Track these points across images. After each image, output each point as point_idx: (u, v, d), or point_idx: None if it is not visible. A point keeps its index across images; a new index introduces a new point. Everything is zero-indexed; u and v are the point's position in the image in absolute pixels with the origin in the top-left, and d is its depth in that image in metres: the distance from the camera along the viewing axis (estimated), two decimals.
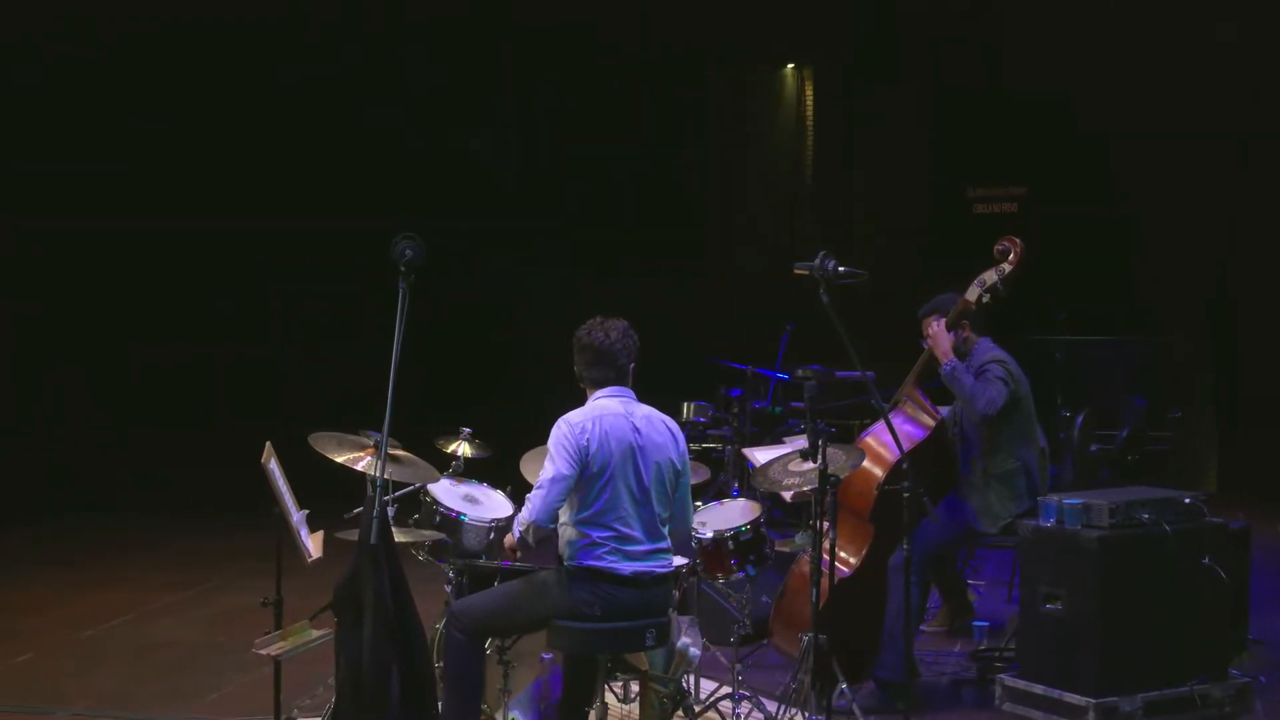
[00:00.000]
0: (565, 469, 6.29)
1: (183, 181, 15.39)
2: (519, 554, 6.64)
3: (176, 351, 15.64)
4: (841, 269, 6.77)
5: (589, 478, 6.31)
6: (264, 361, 15.97)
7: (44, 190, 14.62)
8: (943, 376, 8.10)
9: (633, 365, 6.60)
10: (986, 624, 9.10)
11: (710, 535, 7.45)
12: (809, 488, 6.72)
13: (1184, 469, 12.38)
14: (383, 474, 6.20)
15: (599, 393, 6.52)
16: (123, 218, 14.91)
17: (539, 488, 6.36)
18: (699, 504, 7.95)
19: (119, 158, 14.96)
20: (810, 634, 6.73)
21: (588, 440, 6.31)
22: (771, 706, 7.25)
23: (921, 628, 8.95)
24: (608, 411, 6.42)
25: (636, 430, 6.43)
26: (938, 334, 8.11)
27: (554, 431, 6.39)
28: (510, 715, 6.69)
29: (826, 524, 6.80)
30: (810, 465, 6.68)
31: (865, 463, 7.46)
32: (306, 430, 6.85)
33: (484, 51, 16.42)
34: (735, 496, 8.88)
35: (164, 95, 15.21)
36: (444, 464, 7.38)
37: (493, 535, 7.07)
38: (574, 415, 6.43)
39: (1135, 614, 7.47)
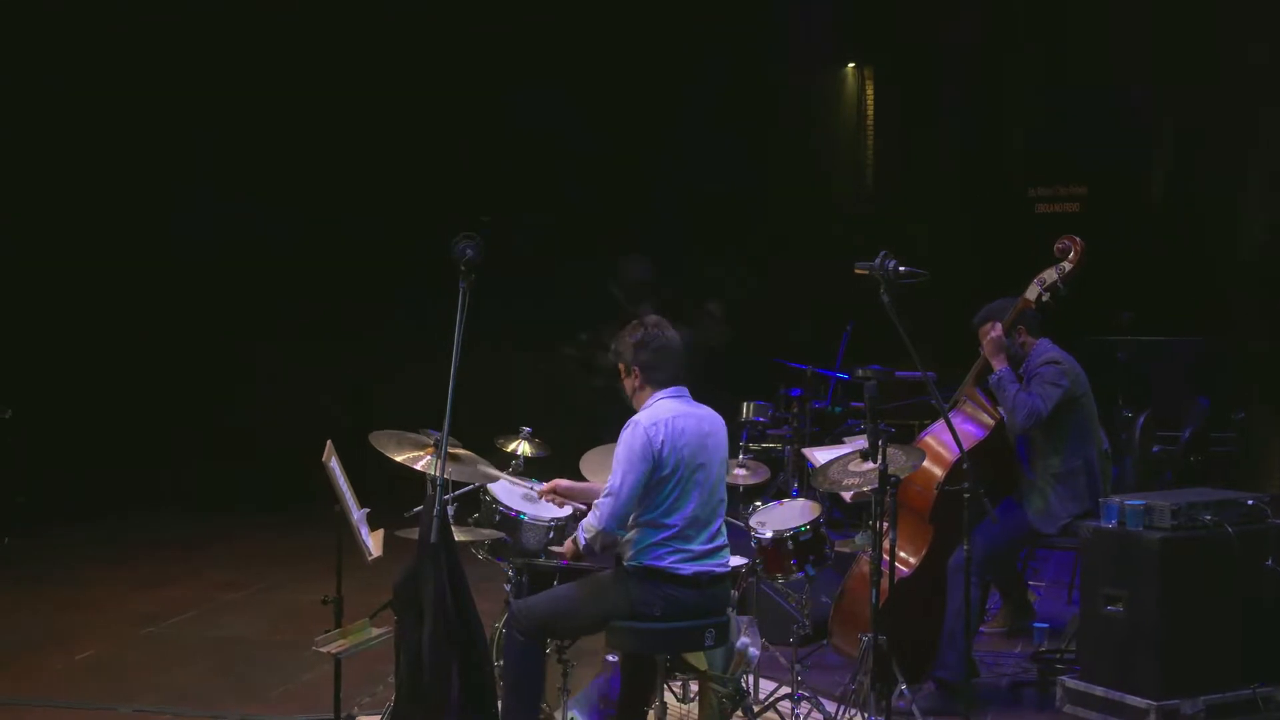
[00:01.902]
0: (635, 477, 6.28)
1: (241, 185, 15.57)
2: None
3: (225, 351, 15.80)
4: (902, 269, 6.75)
5: (659, 479, 6.30)
6: (318, 363, 16.08)
7: (100, 192, 14.89)
8: (990, 383, 8.08)
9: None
10: (1047, 625, 9.06)
11: (770, 535, 7.46)
12: (869, 488, 6.70)
13: (1247, 471, 12.28)
14: (443, 473, 6.21)
15: (662, 392, 6.50)
16: (167, 216, 15.17)
17: (608, 494, 6.34)
18: (758, 503, 7.96)
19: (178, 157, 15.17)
20: (870, 634, 6.72)
21: (661, 442, 6.29)
22: (831, 707, 7.24)
23: (981, 629, 8.91)
24: (678, 412, 6.41)
25: (704, 430, 6.43)
26: (993, 340, 8.09)
27: (625, 434, 6.38)
28: (570, 714, 6.70)
29: (886, 524, 6.79)
30: (870, 465, 6.66)
31: (925, 463, 7.44)
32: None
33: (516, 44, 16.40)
34: (795, 496, 8.89)
35: (206, 85, 15.42)
36: (504, 463, 7.40)
37: (552, 534, 7.07)
38: (643, 418, 6.41)
39: (1197, 616, 7.43)
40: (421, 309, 13.92)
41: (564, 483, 6.94)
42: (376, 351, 15.93)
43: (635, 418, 6.43)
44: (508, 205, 15.73)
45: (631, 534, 6.36)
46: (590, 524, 6.40)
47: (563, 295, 15.28)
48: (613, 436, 6.61)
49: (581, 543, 6.49)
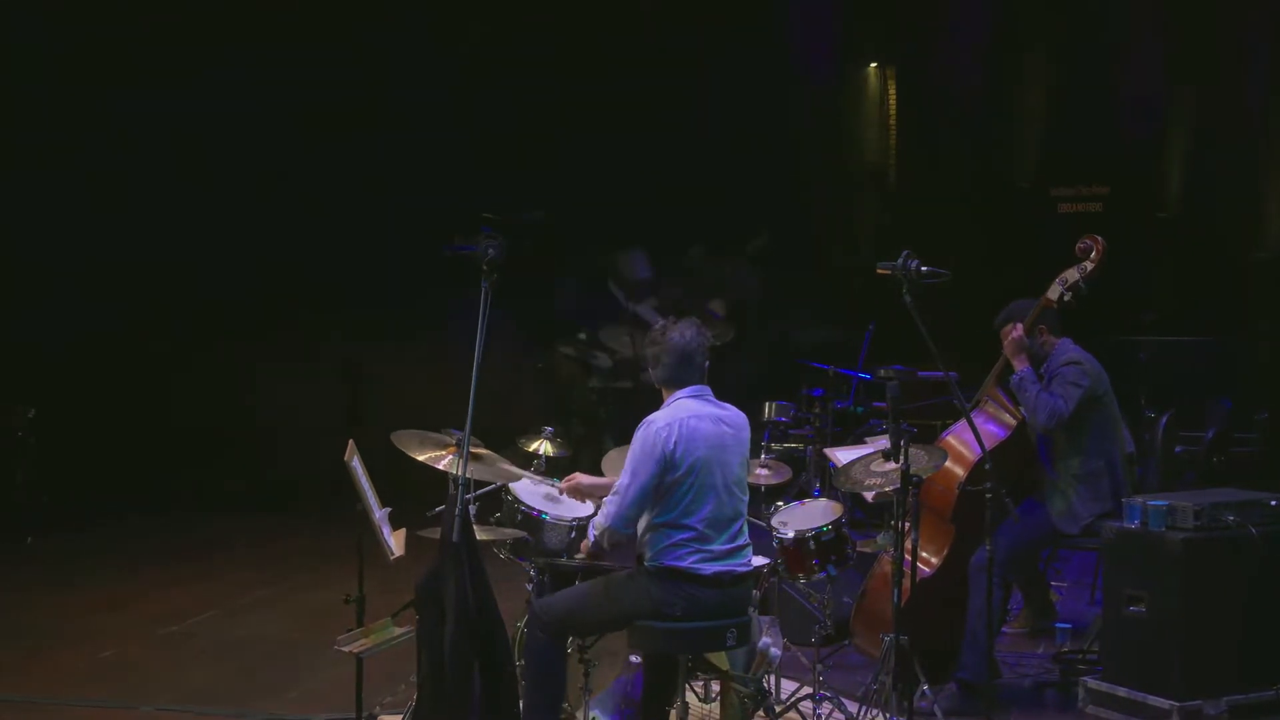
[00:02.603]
0: (644, 477, 6.28)
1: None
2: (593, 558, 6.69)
3: (225, 351, 15.87)
4: (924, 269, 6.74)
5: (673, 480, 6.29)
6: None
7: (115, 196, 15.06)
8: (1011, 384, 8.07)
9: (708, 363, 6.59)
10: (1069, 625, 9.05)
11: (792, 535, 7.45)
12: (891, 488, 6.70)
13: (1270, 471, 12.25)
14: (465, 472, 6.21)
15: (681, 392, 6.49)
16: (165, 216, 15.28)
17: (615, 493, 6.36)
18: (780, 503, 7.95)
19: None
20: (892, 634, 6.72)
21: (673, 443, 6.28)
22: (853, 707, 7.23)
23: (1003, 629, 8.89)
24: (692, 412, 6.40)
25: (722, 430, 6.42)
26: (1014, 340, 8.08)
27: (638, 434, 6.37)
28: (591, 714, 6.70)
29: (908, 524, 6.78)
30: (892, 465, 6.66)
31: (947, 463, 7.42)
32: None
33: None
34: (817, 496, 8.87)
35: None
36: (526, 463, 7.39)
37: (574, 534, 7.07)
38: (658, 417, 6.40)
39: (1220, 617, 7.41)
40: (422, 308, 14.03)
41: (584, 478, 6.94)
42: (376, 351, 15.93)
43: (650, 417, 6.43)
44: (509, 204, 15.74)
45: (650, 535, 6.36)
46: (599, 522, 6.43)
47: (562, 295, 15.30)
48: (621, 438, 6.62)
49: (591, 540, 6.51)
